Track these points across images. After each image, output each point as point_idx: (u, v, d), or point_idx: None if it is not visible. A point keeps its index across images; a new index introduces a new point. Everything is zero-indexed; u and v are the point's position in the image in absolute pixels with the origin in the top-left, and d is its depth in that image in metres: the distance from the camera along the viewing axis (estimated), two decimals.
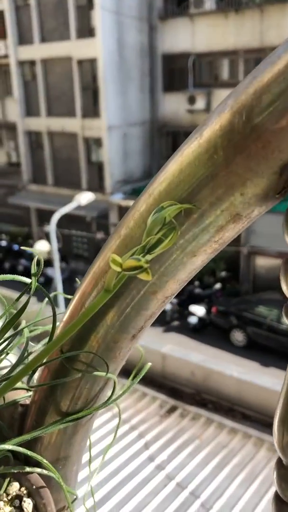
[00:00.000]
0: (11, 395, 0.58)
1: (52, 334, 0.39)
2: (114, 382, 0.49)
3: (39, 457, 0.52)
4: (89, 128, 12.46)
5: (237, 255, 10.86)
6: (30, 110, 13.55)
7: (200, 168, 0.34)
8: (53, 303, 0.39)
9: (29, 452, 0.51)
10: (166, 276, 0.40)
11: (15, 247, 12.51)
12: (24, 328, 0.56)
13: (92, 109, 12.35)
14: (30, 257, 11.41)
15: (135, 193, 11.90)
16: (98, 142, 12.52)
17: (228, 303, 9.07)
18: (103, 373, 0.48)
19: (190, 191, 0.35)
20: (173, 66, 12.55)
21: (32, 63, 13.19)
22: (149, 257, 0.35)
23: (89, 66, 12.20)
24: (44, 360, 0.45)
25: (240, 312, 8.68)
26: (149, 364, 0.53)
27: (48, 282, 10.47)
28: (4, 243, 12.98)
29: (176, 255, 0.38)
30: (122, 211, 11.89)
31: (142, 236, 0.39)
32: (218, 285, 10.33)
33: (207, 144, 0.34)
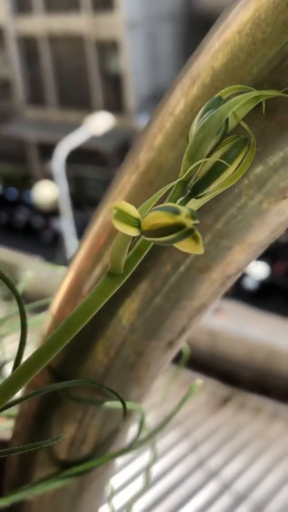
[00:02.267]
0: None
1: (21, 345, 0.28)
2: (142, 417, 0.39)
3: None
4: (102, 27, 12.06)
5: None
6: (23, 5, 13.18)
7: None
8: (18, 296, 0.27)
9: None
10: (227, 238, 0.28)
11: (11, 193, 12.46)
12: None
13: (104, 0, 11.91)
14: (31, 206, 11.29)
15: None
16: (114, 46, 12.13)
17: None
18: (118, 404, 0.37)
19: (278, 62, 0.22)
20: None
21: None
22: (195, 203, 0.23)
23: None
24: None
25: None
26: (200, 381, 0.41)
27: (57, 239, 10.42)
28: None
29: (247, 198, 0.26)
30: None
31: (179, 163, 0.27)
32: (285, 233, 10.05)
33: None
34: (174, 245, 0.20)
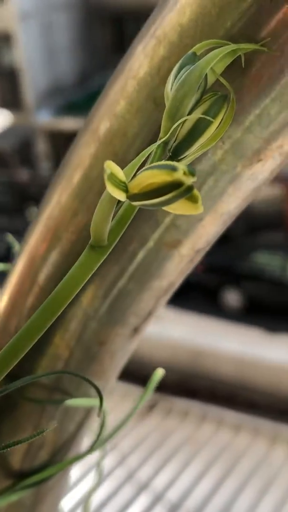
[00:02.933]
0: None
1: None
2: (104, 414, 0.38)
3: None
4: None
5: None
6: None
7: None
8: None
9: None
10: None
11: None
12: None
13: None
14: None
15: (71, 108, 11.48)
16: (7, 38, 11.93)
17: (215, 253, 9.06)
18: (80, 402, 0.36)
19: (253, 14, 0.23)
20: None
21: None
22: (184, 162, 0.23)
23: None
24: None
25: (230, 263, 8.69)
26: (161, 371, 0.41)
27: None
28: None
29: (220, 162, 0.26)
30: (54, 137, 11.53)
31: (145, 129, 0.27)
32: None
33: None
34: (167, 208, 0.20)
